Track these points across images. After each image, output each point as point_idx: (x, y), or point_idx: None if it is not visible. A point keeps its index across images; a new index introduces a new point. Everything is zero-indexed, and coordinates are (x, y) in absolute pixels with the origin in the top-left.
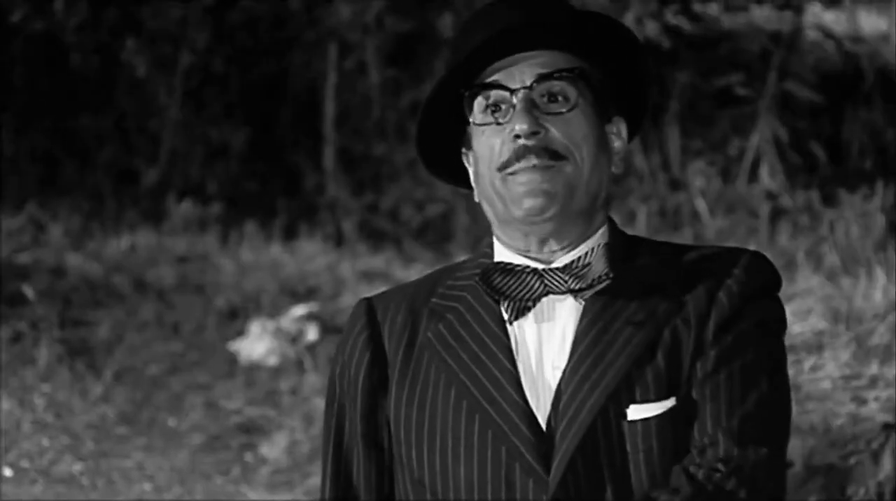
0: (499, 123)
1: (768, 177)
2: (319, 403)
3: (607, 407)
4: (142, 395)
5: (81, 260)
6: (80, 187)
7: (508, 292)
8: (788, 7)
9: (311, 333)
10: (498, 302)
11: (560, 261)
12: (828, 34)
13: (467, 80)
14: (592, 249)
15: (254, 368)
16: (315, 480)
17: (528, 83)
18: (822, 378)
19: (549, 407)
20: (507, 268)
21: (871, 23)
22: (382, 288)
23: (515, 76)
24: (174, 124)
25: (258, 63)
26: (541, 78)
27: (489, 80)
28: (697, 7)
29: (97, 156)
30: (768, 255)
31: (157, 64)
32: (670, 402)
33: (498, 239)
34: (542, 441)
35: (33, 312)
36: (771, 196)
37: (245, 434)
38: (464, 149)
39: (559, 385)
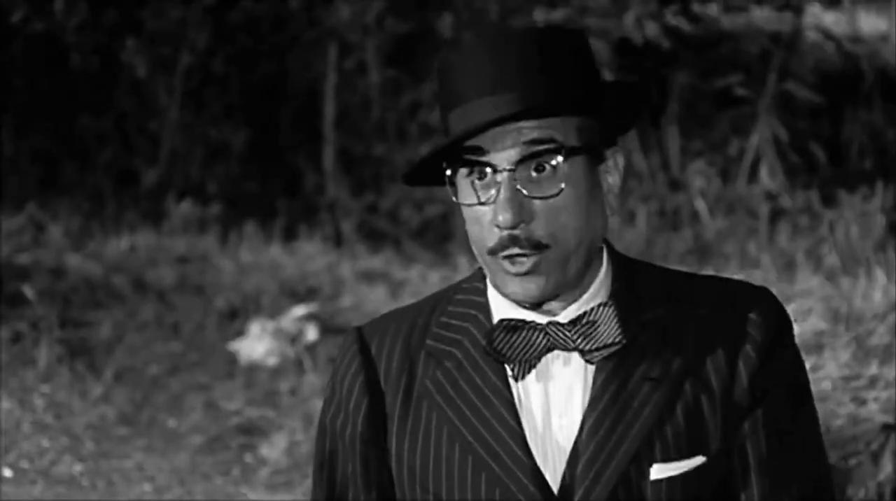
0: (482, 203)
1: (768, 178)
2: (319, 403)
3: (629, 470)
4: (142, 396)
5: (81, 260)
6: (80, 187)
7: (513, 355)
8: (788, 8)
9: (311, 333)
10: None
11: (563, 315)
12: (827, 35)
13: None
14: (599, 306)
15: (253, 368)
16: None
17: (514, 160)
18: (821, 378)
19: (559, 467)
20: (509, 327)
21: (870, 23)
22: (382, 289)
23: (499, 149)
24: (174, 124)
25: (258, 63)
26: (528, 156)
27: (473, 148)
28: (697, 8)
29: (97, 157)
30: (767, 257)
31: (157, 64)
32: (696, 460)
33: (492, 285)
34: (552, 500)
35: (33, 312)
36: (771, 196)
37: (245, 434)
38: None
39: (575, 446)
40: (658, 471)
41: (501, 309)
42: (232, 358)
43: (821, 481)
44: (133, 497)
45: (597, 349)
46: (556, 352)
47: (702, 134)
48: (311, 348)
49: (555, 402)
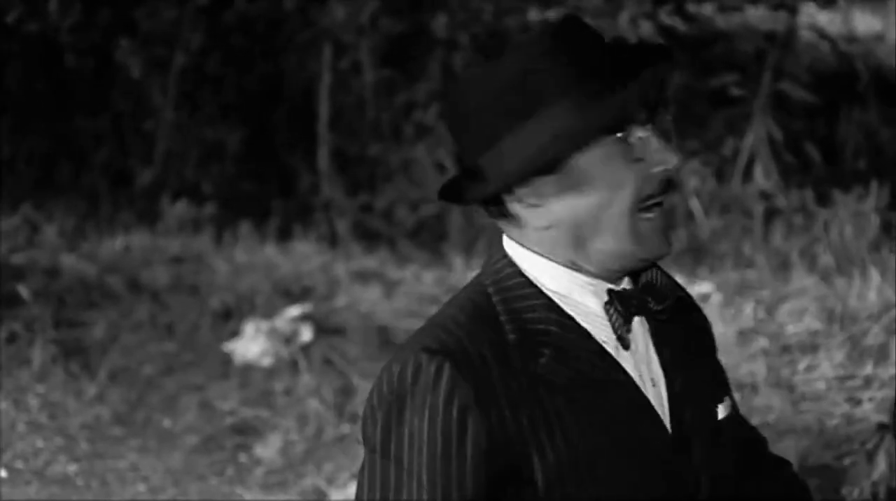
0: (640, 159)
1: (763, 177)
2: (314, 404)
3: (714, 414)
4: (136, 396)
5: (76, 260)
6: (75, 188)
7: (619, 324)
8: (783, 7)
9: (306, 334)
10: (587, 332)
11: (624, 283)
12: (822, 34)
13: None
14: (652, 271)
15: (248, 369)
16: (310, 480)
17: (654, 111)
18: (816, 378)
19: (666, 423)
20: (618, 297)
21: (865, 23)
22: (376, 289)
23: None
24: (169, 125)
25: (253, 64)
26: (661, 103)
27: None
28: (692, 7)
29: (92, 157)
30: (762, 256)
31: (152, 65)
32: (729, 402)
33: (586, 264)
34: (688, 464)
35: (28, 313)
36: (765, 196)
37: (239, 434)
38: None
39: (671, 403)
40: (721, 410)
41: (555, 284)
42: (226, 359)
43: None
44: (128, 497)
45: (663, 309)
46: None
47: (696, 133)
48: (306, 348)
49: (644, 367)
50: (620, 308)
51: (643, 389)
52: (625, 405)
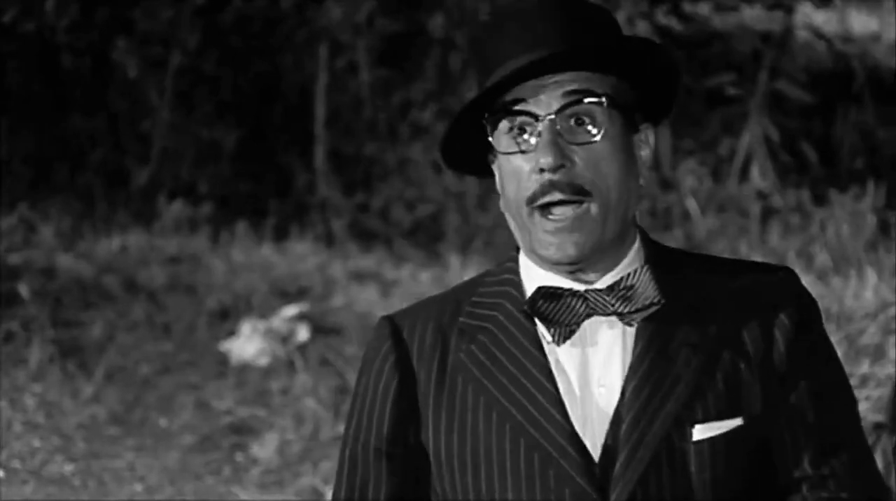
0: (523, 152)
1: (759, 177)
2: (310, 403)
3: (671, 433)
4: (133, 395)
5: (72, 260)
6: (72, 188)
7: (555, 318)
8: (779, 7)
9: (302, 333)
10: (533, 323)
11: (601, 282)
12: (818, 34)
13: (490, 95)
14: (635, 271)
15: (245, 368)
16: (306, 480)
17: (554, 108)
18: None
19: (599, 431)
20: (549, 293)
21: (861, 22)
22: (373, 289)
23: (542, 99)
24: (165, 124)
25: (249, 63)
26: (568, 104)
27: (514, 101)
28: (688, 7)
29: (88, 157)
30: (758, 256)
31: (148, 64)
32: (736, 421)
33: (527, 255)
34: (592, 464)
35: (25, 312)
36: (762, 195)
37: (236, 434)
38: (490, 156)
39: (617, 411)
40: (700, 432)
41: (537, 281)
42: (223, 358)
43: (864, 444)
44: (124, 496)
45: (636, 311)
46: (595, 319)
47: (693, 133)
48: (303, 348)
49: (594, 368)
50: (547, 304)
51: (569, 393)
52: (534, 414)
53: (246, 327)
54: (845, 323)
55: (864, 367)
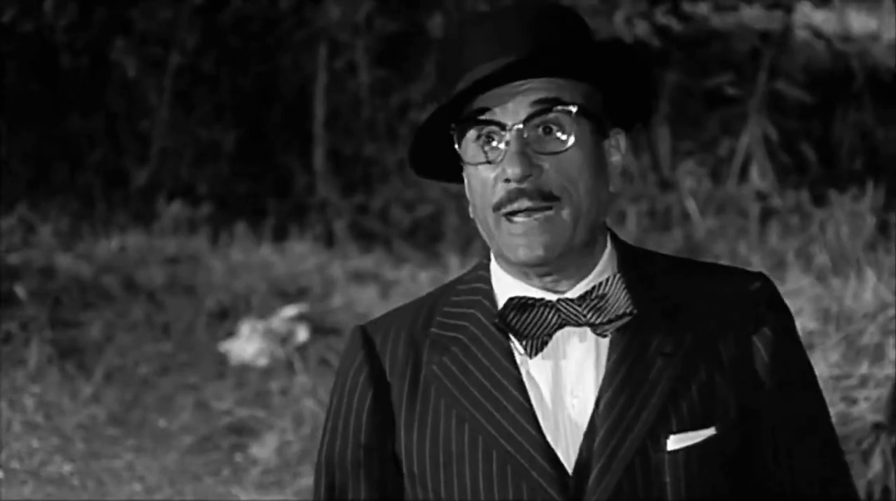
0: (489, 161)
1: (758, 178)
2: (309, 403)
3: (645, 444)
4: (132, 396)
5: (71, 260)
6: (71, 188)
7: (526, 331)
8: (778, 7)
9: (302, 334)
10: (506, 335)
11: (573, 292)
12: (817, 34)
13: (457, 103)
14: (607, 279)
15: (244, 369)
16: (305, 480)
17: (521, 118)
18: None
19: (573, 443)
20: (520, 304)
21: (860, 22)
22: (372, 289)
23: (509, 108)
24: (164, 125)
25: (248, 64)
26: (536, 113)
27: (481, 109)
28: (687, 7)
29: (87, 157)
30: (758, 257)
31: (147, 64)
32: (710, 431)
33: (498, 263)
34: (566, 476)
35: (24, 313)
36: (761, 196)
37: (235, 434)
38: (462, 162)
39: (591, 422)
40: (675, 442)
41: (508, 291)
42: (222, 359)
43: (842, 464)
44: (123, 497)
45: (608, 321)
46: (567, 330)
47: (692, 134)
48: (302, 348)
49: (567, 380)
50: (518, 317)
51: (541, 405)
52: (505, 426)
53: (245, 327)
54: (845, 324)
55: (864, 368)
